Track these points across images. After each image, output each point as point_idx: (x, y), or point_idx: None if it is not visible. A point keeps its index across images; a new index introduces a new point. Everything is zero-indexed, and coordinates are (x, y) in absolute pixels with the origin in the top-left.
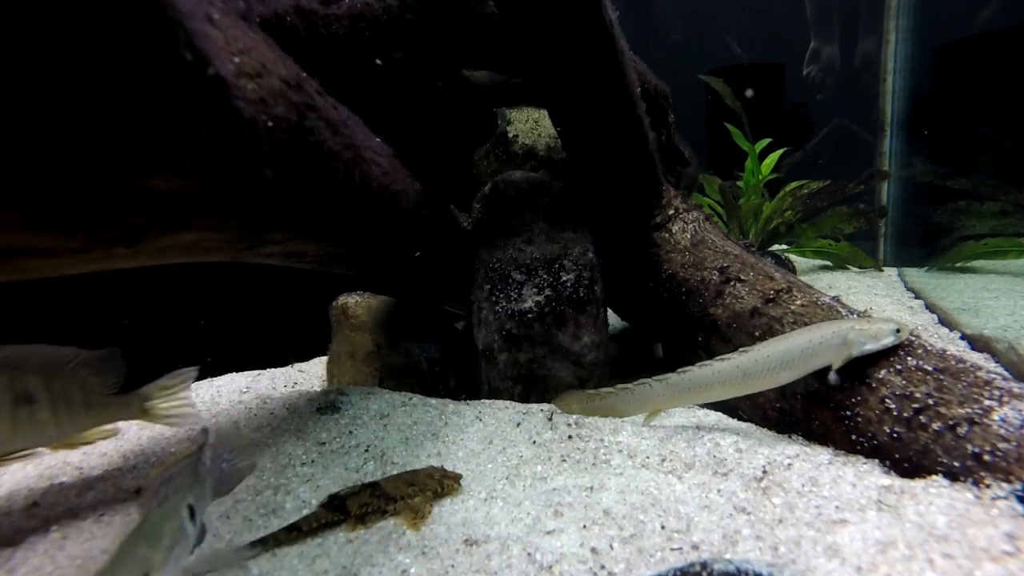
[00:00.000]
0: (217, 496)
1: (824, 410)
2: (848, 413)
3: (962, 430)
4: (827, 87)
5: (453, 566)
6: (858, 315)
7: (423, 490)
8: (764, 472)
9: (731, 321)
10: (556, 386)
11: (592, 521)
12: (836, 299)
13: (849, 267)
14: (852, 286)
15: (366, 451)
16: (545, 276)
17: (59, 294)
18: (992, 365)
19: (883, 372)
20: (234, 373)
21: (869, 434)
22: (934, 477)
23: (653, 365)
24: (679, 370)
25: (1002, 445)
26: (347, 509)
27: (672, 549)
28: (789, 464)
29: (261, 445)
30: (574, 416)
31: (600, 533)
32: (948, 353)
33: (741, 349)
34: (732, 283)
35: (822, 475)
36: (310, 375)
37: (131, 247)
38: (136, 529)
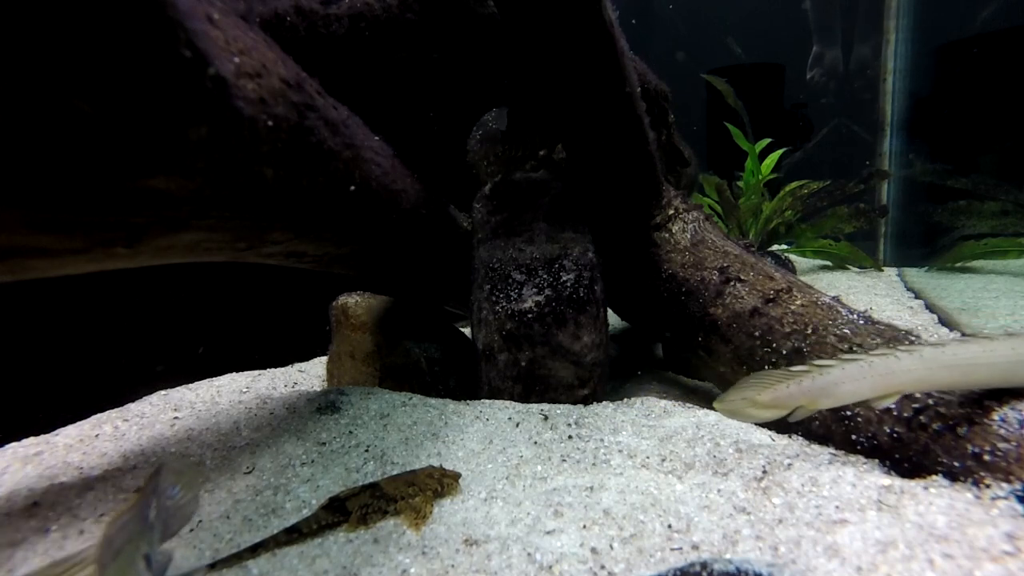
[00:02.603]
0: (162, 540)
1: (824, 410)
2: (848, 413)
3: (962, 430)
4: (831, 90)
5: (453, 566)
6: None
7: (423, 490)
8: (764, 472)
9: (731, 321)
10: (556, 386)
11: (592, 521)
12: (836, 299)
13: (849, 267)
14: (852, 286)
15: (366, 451)
16: (545, 276)
17: (58, 294)
18: None
19: None
20: (234, 373)
21: (869, 434)
22: (934, 477)
23: (653, 365)
24: (930, 343)
25: (1002, 445)
26: (347, 511)
27: (672, 549)
28: (789, 464)
29: (261, 445)
30: (574, 416)
31: (600, 533)
32: None
33: (1008, 331)
34: (732, 283)
35: (822, 475)
36: (310, 375)
37: (131, 247)
38: None
